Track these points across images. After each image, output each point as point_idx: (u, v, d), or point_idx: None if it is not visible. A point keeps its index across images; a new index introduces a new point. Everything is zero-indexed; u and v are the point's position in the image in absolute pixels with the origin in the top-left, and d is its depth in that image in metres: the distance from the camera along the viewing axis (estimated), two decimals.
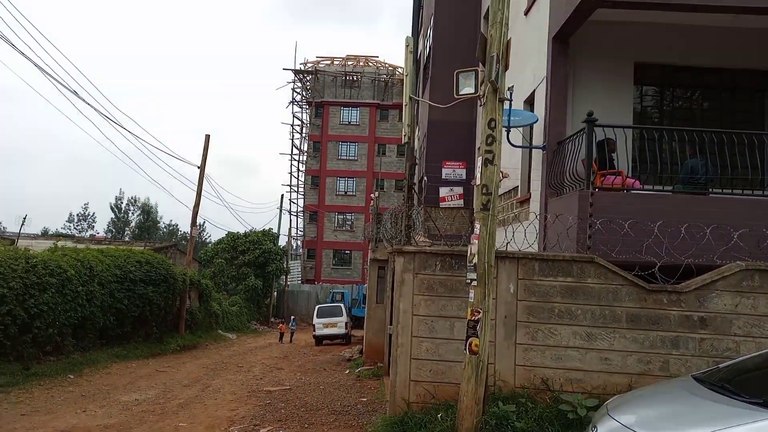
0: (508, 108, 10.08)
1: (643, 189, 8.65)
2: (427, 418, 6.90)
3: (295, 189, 50.08)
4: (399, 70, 51.03)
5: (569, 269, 7.17)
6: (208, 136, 23.08)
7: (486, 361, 6.35)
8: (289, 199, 49.14)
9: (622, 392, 6.76)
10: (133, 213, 73.11)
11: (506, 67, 6.55)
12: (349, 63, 51.02)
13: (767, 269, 6.82)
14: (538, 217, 9.25)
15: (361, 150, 49.62)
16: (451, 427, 6.56)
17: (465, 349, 6.40)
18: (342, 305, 28.92)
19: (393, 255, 7.66)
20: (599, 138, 8.70)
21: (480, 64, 6.72)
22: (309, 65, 51.06)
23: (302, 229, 50.19)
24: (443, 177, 17.49)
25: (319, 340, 26.25)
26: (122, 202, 72.38)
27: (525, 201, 11.55)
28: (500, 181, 6.53)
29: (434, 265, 7.40)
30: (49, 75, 16.15)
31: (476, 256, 6.45)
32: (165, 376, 14.25)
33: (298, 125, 50.32)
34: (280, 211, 44.74)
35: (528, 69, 11.35)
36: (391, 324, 10.62)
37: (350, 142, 49.69)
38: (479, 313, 6.35)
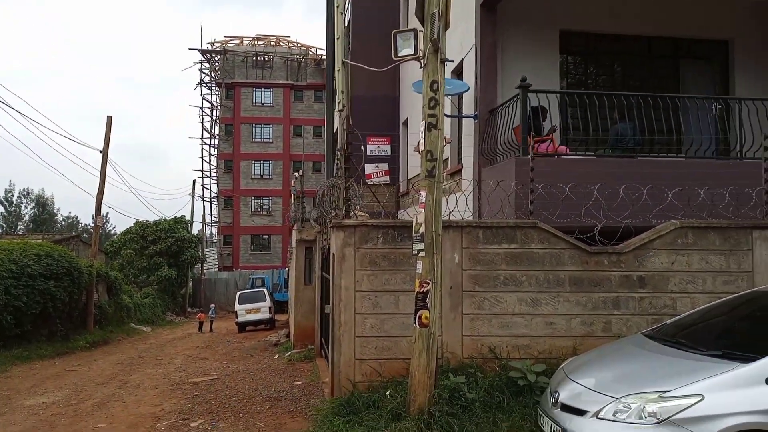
0: None
1: (574, 155, 8.72)
2: (376, 397, 6.59)
3: (208, 174, 48.04)
4: (312, 50, 49.95)
5: (513, 236, 7.05)
6: (110, 118, 21.36)
7: (437, 334, 6.11)
8: (202, 185, 47.20)
9: (568, 356, 6.76)
10: (26, 206, 67.42)
11: (447, 26, 6.24)
12: (260, 43, 49.26)
13: (699, 226, 7.01)
14: (473, 185, 9.12)
15: (276, 132, 48.26)
16: (402, 403, 6.28)
17: (414, 323, 6.12)
18: (264, 290, 28.08)
19: (332, 230, 7.24)
20: (531, 105, 8.67)
21: (420, 24, 6.36)
22: (217, 45, 48.80)
23: (217, 215, 48.30)
24: (368, 153, 17.15)
25: (242, 326, 25.35)
26: (13, 195, 66.48)
27: (457, 172, 11.43)
28: (444, 146, 6.24)
29: (376, 238, 7.05)
30: None
31: (423, 225, 6.15)
32: (75, 376, 13.07)
33: (208, 108, 48.16)
34: (193, 197, 42.74)
35: (455, 38, 11.15)
36: (328, 303, 10.18)
37: (264, 124, 48.16)
38: (428, 284, 6.08)
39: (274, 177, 48.13)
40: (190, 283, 41.27)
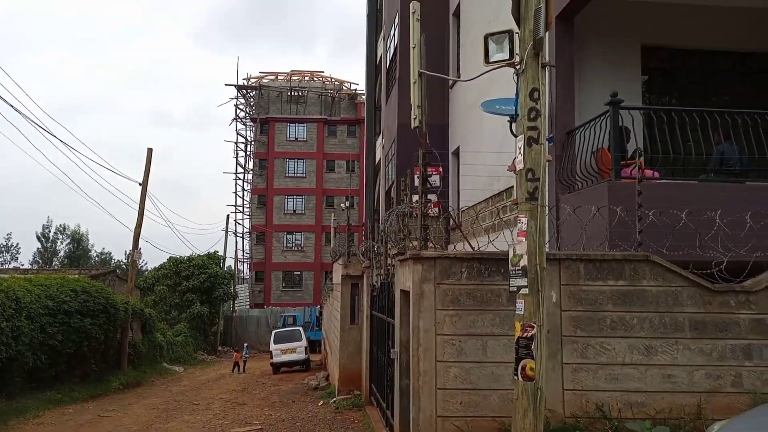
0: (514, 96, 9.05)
1: (671, 179, 7.72)
2: None
3: (241, 209, 47.83)
4: (345, 85, 50.05)
5: (621, 270, 6.03)
6: (150, 150, 21.09)
7: (544, 389, 5.07)
8: (235, 220, 46.81)
9: (691, 416, 5.66)
10: (61, 242, 68.22)
11: (548, 26, 5.40)
12: (294, 78, 49.58)
13: None
14: (552, 214, 8.12)
15: (309, 167, 48.02)
16: None
17: (516, 375, 5.10)
18: (300, 329, 27.11)
19: (407, 263, 6.32)
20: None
21: (516, 25, 5.54)
22: (252, 81, 49.27)
23: (249, 251, 47.87)
24: (415, 184, 16.34)
25: (277, 367, 24.34)
26: (50, 231, 67.38)
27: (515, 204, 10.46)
28: (545, 164, 5.32)
29: (459, 273, 6.10)
30: None
31: (524, 257, 5.19)
32: (110, 423, 12.20)
33: (242, 143, 48.31)
34: (226, 232, 42.42)
35: None
36: (377, 345, 9.01)
37: (298, 159, 48.01)
38: (532, 328, 5.07)
39: (306, 212, 47.67)
40: (222, 321, 40.57)
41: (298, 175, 48.04)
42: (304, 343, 24.96)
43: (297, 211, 47.63)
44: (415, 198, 16.20)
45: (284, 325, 35.13)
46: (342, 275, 14.25)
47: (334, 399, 13.56)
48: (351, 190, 48.00)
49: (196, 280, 36.59)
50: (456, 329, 6.02)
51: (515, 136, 9.37)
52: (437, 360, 6.00)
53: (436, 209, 16.83)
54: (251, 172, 48.10)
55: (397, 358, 7.50)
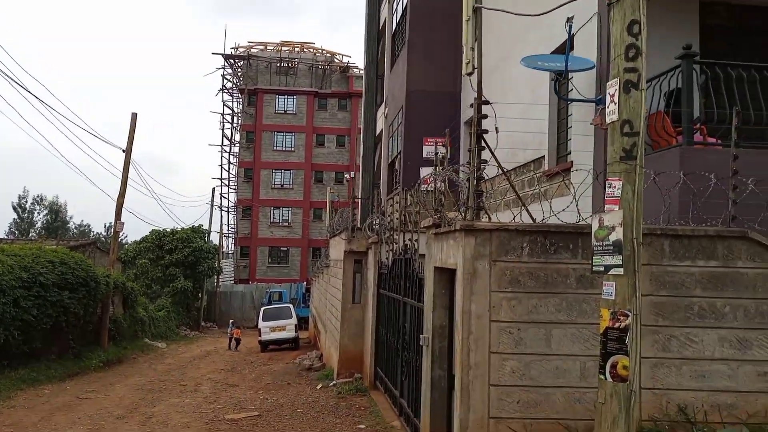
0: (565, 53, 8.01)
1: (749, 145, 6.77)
2: None
3: (227, 183, 46.32)
4: (337, 57, 48.45)
5: (712, 249, 5.09)
6: (134, 115, 19.68)
7: (638, 392, 4.13)
8: (221, 194, 45.32)
9: None
10: (39, 213, 65.99)
11: None
12: (284, 49, 47.79)
13: None
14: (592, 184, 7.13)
15: (298, 141, 46.53)
16: None
17: (603, 374, 4.15)
18: (290, 306, 26.06)
19: (450, 236, 5.30)
20: (670, 87, 6.84)
21: None
22: (241, 50, 47.39)
23: (235, 226, 46.51)
24: (424, 155, 15.27)
25: (265, 345, 23.35)
26: (26, 201, 65.07)
27: (556, 174, 9.50)
28: (645, 115, 4.32)
29: (520, 248, 5.11)
30: None
31: (616, 229, 4.21)
32: (90, 406, 11.12)
33: (229, 114, 46.59)
34: (212, 205, 40.97)
35: (561, 10, 9.27)
36: (383, 325, 6.80)
37: (286, 132, 46.46)
38: (626, 317, 4.11)
39: (294, 187, 46.31)
40: (205, 296, 39.37)
41: (287, 148, 46.57)
42: (293, 320, 23.97)
43: (285, 186, 46.26)
44: (427, 171, 15.11)
45: (270, 302, 34.12)
46: (345, 251, 13.21)
47: (334, 382, 12.64)
48: (340, 165, 46.87)
49: (179, 253, 35.28)
50: (514, 315, 5.04)
51: (560, 97, 8.38)
52: (491, 351, 5.03)
53: (442, 184, 15.78)
54: (238, 144, 46.52)
55: (427, 345, 6.53)
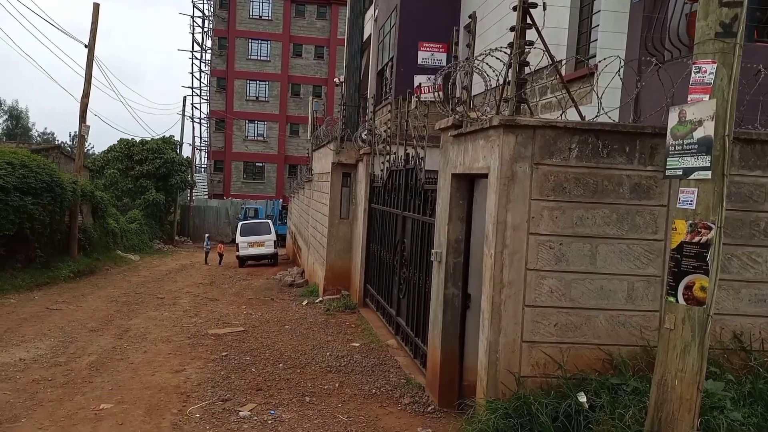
0: None
1: None
2: (564, 406, 4.07)
3: (198, 93, 43.98)
4: None
5: None
6: (96, 6, 17.74)
7: (712, 317, 3.53)
8: (192, 104, 43.13)
9: None
10: None
11: None
12: None
13: None
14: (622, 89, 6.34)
15: (274, 50, 44.04)
16: (615, 420, 3.80)
17: (673, 296, 3.53)
18: (269, 222, 25.35)
19: (490, 132, 4.48)
20: None
21: None
22: None
23: (208, 139, 44.72)
24: (419, 62, 14.18)
25: (243, 260, 22.80)
26: None
27: (574, 80, 8.65)
28: None
29: (567, 150, 4.34)
30: None
31: (705, 123, 3.46)
32: (61, 317, 10.44)
33: (200, 17, 43.54)
34: (183, 115, 39.03)
35: None
36: (375, 241, 7.01)
37: (262, 40, 43.85)
38: (708, 230, 3.45)
39: (270, 100, 44.31)
40: (178, 210, 38.30)
41: (262, 58, 44.13)
42: (272, 236, 23.34)
43: (260, 98, 44.23)
44: (422, 79, 13.96)
45: (245, 218, 33.35)
46: (333, 163, 12.33)
47: (320, 299, 12.14)
48: (318, 78, 44.79)
49: (150, 165, 33.80)
50: (556, 228, 4.36)
51: None
52: (527, 268, 4.38)
53: (440, 93, 14.73)
54: (210, 51, 43.87)
55: (440, 261, 5.88)
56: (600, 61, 7.84)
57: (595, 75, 7.84)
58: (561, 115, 4.62)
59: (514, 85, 4.42)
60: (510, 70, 4.42)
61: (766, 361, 4.36)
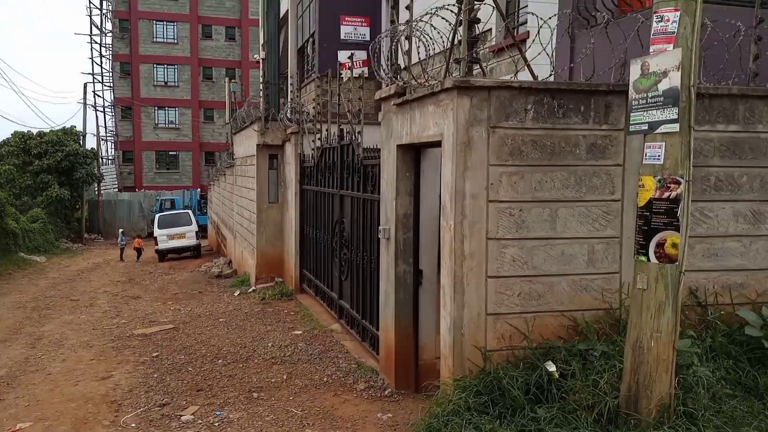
0: None
1: None
2: (534, 378, 3.93)
3: (100, 79, 41.04)
4: None
5: (733, 111, 4.43)
6: None
7: (683, 274, 3.46)
8: (93, 92, 40.22)
9: None
10: None
11: None
12: None
13: None
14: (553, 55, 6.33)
15: (182, 32, 41.77)
16: (590, 388, 3.70)
17: (643, 255, 3.43)
18: (189, 212, 24.13)
19: (442, 96, 4.20)
20: None
21: None
22: None
23: (114, 128, 41.97)
24: (342, 37, 13.72)
25: (163, 254, 21.57)
26: None
27: (510, 46, 8.53)
28: None
29: (523, 112, 4.15)
30: None
31: (670, 74, 3.33)
32: None
33: None
34: (84, 104, 36.28)
35: None
36: (310, 225, 6.58)
37: (167, 21, 41.44)
38: (678, 184, 3.35)
39: (180, 85, 42.10)
40: (86, 206, 35.81)
41: (168, 40, 41.78)
42: (194, 227, 22.22)
43: (169, 83, 41.93)
44: (344, 55, 13.50)
45: (161, 210, 31.64)
46: (258, 144, 11.70)
47: (253, 288, 11.59)
48: (230, 61, 43.00)
49: (51, 158, 31.28)
50: (516, 194, 4.17)
51: None
52: (488, 237, 4.17)
53: (365, 68, 14.34)
54: (110, 35, 40.97)
55: (388, 238, 5.59)
56: (527, 32, 7.78)
57: (527, 41, 7.75)
58: (512, 77, 4.41)
59: (465, 44, 4.15)
60: (461, 28, 4.14)
61: (721, 314, 4.41)
